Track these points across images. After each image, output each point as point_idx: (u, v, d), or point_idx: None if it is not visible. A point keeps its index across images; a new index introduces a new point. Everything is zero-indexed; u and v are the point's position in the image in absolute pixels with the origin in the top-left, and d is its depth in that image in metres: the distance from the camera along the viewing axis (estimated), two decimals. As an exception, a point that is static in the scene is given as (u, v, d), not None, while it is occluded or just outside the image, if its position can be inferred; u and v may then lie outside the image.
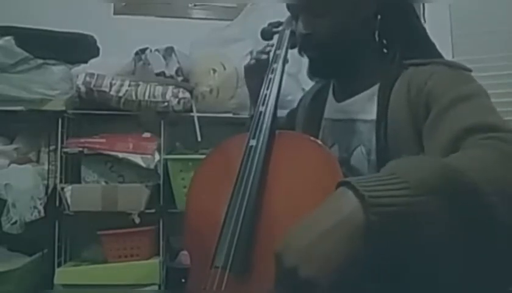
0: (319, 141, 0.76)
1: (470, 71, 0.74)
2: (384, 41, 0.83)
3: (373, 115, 0.76)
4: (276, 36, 0.95)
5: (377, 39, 0.83)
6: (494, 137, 0.56)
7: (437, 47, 0.82)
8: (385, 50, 0.82)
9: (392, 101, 0.74)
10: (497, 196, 0.46)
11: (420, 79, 0.72)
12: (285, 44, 0.88)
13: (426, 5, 1.75)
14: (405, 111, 0.72)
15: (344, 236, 0.45)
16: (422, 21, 0.83)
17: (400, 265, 0.46)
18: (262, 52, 0.98)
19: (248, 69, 1.01)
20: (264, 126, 0.77)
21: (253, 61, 0.99)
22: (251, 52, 1.71)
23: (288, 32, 0.88)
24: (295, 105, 1.08)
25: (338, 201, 0.48)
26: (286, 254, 0.46)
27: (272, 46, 0.93)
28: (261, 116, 0.79)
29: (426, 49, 0.80)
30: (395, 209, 0.45)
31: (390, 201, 0.45)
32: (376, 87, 0.78)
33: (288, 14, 0.90)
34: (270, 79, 0.84)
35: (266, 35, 0.97)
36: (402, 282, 0.48)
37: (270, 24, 0.97)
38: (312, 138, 0.75)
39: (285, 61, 0.87)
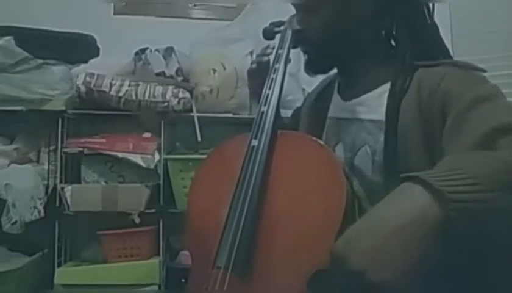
0: (321, 142, 0.75)
1: (484, 71, 0.73)
2: (393, 42, 0.83)
3: (380, 115, 0.75)
4: (278, 36, 0.95)
5: (385, 39, 0.83)
6: None
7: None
8: (394, 51, 0.81)
9: (402, 101, 0.73)
10: None
11: (432, 80, 0.70)
12: (287, 44, 0.88)
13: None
14: (414, 112, 0.71)
15: (418, 235, 0.42)
16: (431, 20, 0.81)
17: (472, 262, 0.45)
18: (263, 54, 0.98)
19: (251, 73, 1.01)
20: (266, 126, 0.77)
21: (254, 65, 0.99)
22: (251, 52, 1.71)
23: (290, 32, 0.88)
24: (295, 105, 1.08)
25: (407, 197, 0.45)
26: (351, 257, 0.43)
27: (273, 47, 0.93)
28: (263, 116, 0.79)
29: (436, 50, 0.79)
30: (470, 205, 0.43)
31: (466, 196, 0.43)
32: (384, 87, 0.77)
33: (290, 13, 0.91)
34: (273, 79, 0.84)
35: (268, 34, 0.97)
36: (472, 279, 0.46)
37: (272, 24, 0.97)
38: (314, 138, 0.75)
39: (287, 61, 0.87)
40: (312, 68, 0.87)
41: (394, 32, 0.82)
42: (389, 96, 0.75)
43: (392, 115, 0.73)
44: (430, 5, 0.80)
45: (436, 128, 0.68)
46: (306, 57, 0.85)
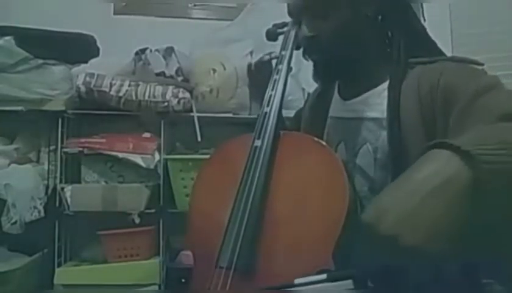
0: (323, 142, 0.76)
1: (482, 64, 0.74)
2: (387, 40, 0.83)
3: (381, 113, 0.76)
4: (281, 37, 0.95)
5: (382, 39, 0.83)
6: None
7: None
8: (388, 50, 0.82)
9: (402, 99, 0.74)
10: None
11: (431, 77, 0.71)
12: (290, 45, 0.88)
13: (426, 5, 1.75)
14: (415, 109, 0.71)
15: (449, 197, 0.42)
16: (422, 20, 0.84)
17: (506, 223, 0.44)
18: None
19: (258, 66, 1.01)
20: (269, 126, 0.77)
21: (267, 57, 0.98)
22: (251, 52, 1.72)
23: (293, 33, 0.88)
24: (295, 105, 1.08)
25: (437, 162, 0.45)
26: (384, 222, 0.43)
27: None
28: (266, 117, 0.79)
29: (428, 47, 0.80)
30: (500, 166, 0.43)
31: (495, 158, 0.43)
32: (383, 86, 0.78)
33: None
34: (275, 79, 0.84)
35: (271, 36, 0.97)
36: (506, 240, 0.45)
37: (275, 25, 0.97)
38: (316, 139, 0.75)
39: (290, 62, 0.87)
40: (324, 76, 0.85)
41: (388, 31, 0.83)
42: (389, 93, 0.76)
43: (393, 112, 0.73)
44: (419, 5, 0.81)
45: (438, 123, 0.69)
46: (315, 65, 0.84)
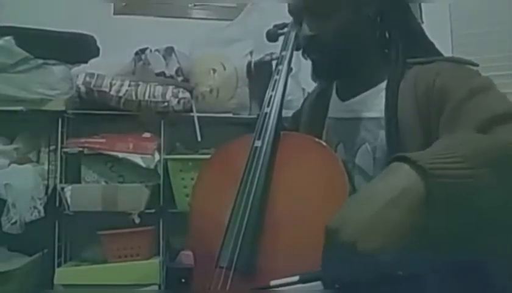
0: (324, 143, 0.76)
1: (476, 65, 0.75)
2: (385, 41, 0.84)
3: (379, 113, 0.77)
4: (281, 38, 0.95)
5: (380, 39, 0.83)
6: None
7: (437, 46, 0.82)
8: (387, 49, 0.82)
9: (399, 99, 0.74)
10: None
11: (428, 77, 0.72)
12: (290, 45, 0.88)
13: (426, 5, 1.75)
14: (412, 109, 0.72)
15: (404, 208, 0.45)
16: (420, 20, 0.84)
17: (457, 236, 0.46)
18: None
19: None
20: (269, 127, 0.78)
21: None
22: (251, 52, 1.72)
23: (293, 34, 0.88)
24: (295, 105, 1.07)
25: (396, 175, 0.48)
26: (343, 229, 0.46)
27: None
28: (267, 117, 0.79)
29: (426, 48, 0.81)
30: (454, 180, 0.45)
31: (449, 173, 0.45)
32: (381, 86, 0.79)
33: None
34: (276, 80, 0.85)
35: (271, 36, 0.97)
36: (458, 252, 0.47)
37: (275, 26, 0.97)
38: (317, 139, 0.76)
39: (290, 62, 0.87)
40: (323, 75, 0.86)
41: (387, 32, 0.83)
42: (386, 93, 0.76)
43: (390, 111, 0.74)
44: (417, 5, 0.81)
45: (433, 123, 0.70)
46: (314, 64, 0.84)
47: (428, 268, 0.47)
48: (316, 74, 0.85)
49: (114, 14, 2.03)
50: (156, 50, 1.66)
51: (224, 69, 1.70)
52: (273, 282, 0.53)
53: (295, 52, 0.90)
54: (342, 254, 0.46)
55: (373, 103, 0.79)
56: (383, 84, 0.78)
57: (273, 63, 0.98)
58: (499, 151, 0.48)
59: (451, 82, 0.69)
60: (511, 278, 0.50)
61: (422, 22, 0.84)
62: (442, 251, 0.46)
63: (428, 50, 0.80)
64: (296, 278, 0.51)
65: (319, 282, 0.49)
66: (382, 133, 0.76)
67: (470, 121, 0.62)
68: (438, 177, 0.45)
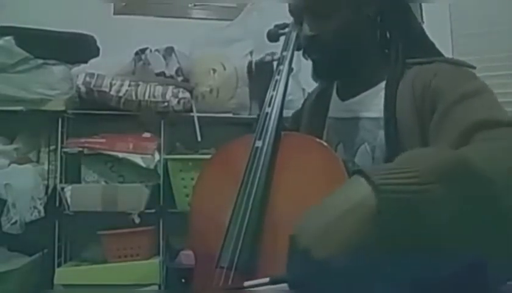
0: (325, 143, 0.76)
1: (474, 67, 0.75)
2: (385, 41, 0.84)
3: (378, 113, 0.77)
4: (282, 38, 0.95)
5: (379, 38, 0.84)
6: (501, 133, 0.58)
7: (437, 46, 0.82)
8: (387, 49, 0.82)
9: (398, 99, 0.74)
10: (502, 187, 0.47)
11: (425, 78, 0.72)
12: (291, 46, 0.88)
13: (426, 5, 1.75)
14: (410, 109, 0.72)
15: (356, 221, 0.47)
16: (420, 21, 0.84)
17: (407, 251, 0.47)
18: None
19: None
20: (270, 127, 0.78)
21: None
22: (251, 52, 1.72)
23: (294, 34, 0.88)
24: (295, 105, 1.07)
25: (351, 188, 0.50)
26: (300, 237, 0.49)
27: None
28: (267, 118, 0.79)
29: (426, 48, 0.81)
30: (404, 195, 0.46)
31: (399, 188, 0.46)
32: (380, 85, 0.79)
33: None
34: (277, 80, 0.85)
35: (272, 36, 0.97)
36: (409, 267, 0.48)
37: (276, 26, 0.97)
38: (317, 139, 0.76)
39: (291, 63, 0.87)
40: (324, 75, 0.86)
41: (387, 32, 0.83)
42: (385, 93, 0.76)
43: (389, 111, 0.74)
44: (417, 5, 0.81)
45: (428, 124, 0.70)
46: (315, 64, 0.84)
47: (380, 277, 0.48)
48: (316, 74, 0.85)
49: (114, 14, 2.03)
50: (156, 50, 1.67)
51: (224, 69, 1.70)
52: (246, 283, 0.57)
53: (296, 52, 0.89)
54: (300, 260, 0.48)
55: (373, 103, 0.80)
56: (383, 84, 0.78)
57: (274, 63, 0.98)
58: (453, 167, 0.49)
59: (446, 84, 0.70)
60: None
61: (423, 22, 0.84)
62: (393, 261, 0.48)
63: (428, 50, 0.80)
64: (267, 280, 0.54)
65: (285, 284, 0.52)
66: (381, 133, 0.76)
67: (455, 125, 0.63)
68: (388, 192, 0.46)
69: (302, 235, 0.49)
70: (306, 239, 0.48)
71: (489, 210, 0.47)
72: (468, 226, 0.47)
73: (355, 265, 0.47)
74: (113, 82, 1.61)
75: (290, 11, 0.87)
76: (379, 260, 0.48)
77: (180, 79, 1.66)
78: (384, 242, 0.47)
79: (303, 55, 0.85)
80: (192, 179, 1.56)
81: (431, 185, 0.46)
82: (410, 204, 0.46)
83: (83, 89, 1.59)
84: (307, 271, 0.48)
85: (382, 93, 0.77)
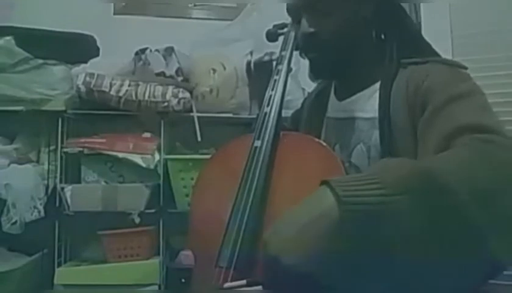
0: (323, 143, 0.76)
1: (466, 68, 0.75)
2: (380, 41, 0.84)
3: (373, 113, 0.77)
4: (281, 38, 0.95)
5: (376, 39, 0.84)
6: (479, 138, 0.58)
7: (436, 47, 0.82)
8: (382, 50, 0.82)
9: (392, 99, 0.75)
10: (468, 196, 0.48)
11: (418, 78, 0.73)
12: (290, 45, 0.88)
13: (426, 5, 1.76)
14: (404, 109, 0.73)
15: (321, 230, 0.49)
16: (416, 21, 0.85)
17: (371, 262, 0.48)
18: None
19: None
20: (269, 127, 0.78)
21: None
22: (251, 52, 1.72)
23: (293, 34, 0.88)
24: (294, 105, 1.08)
25: (318, 198, 0.52)
26: (270, 243, 0.51)
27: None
28: (266, 117, 0.79)
29: (421, 48, 0.81)
30: (367, 207, 0.47)
31: (363, 200, 0.48)
32: (375, 85, 0.79)
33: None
34: (275, 80, 0.85)
35: (271, 36, 0.97)
36: (374, 277, 0.50)
37: (275, 26, 0.97)
38: (316, 139, 0.76)
39: (290, 62, 0.87)
40: (321, 74, 0.86)
41: (382, 32, 0.83)
42: (380, 93, 0.77)
43: (383, 111, 0.75)
44: (412, 5, 0.82)
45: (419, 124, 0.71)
46: (312, 62, 0.84)
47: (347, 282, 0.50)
48: (313, 73, 0.85)
49: (114, 14, 2.03)
50: (156, 50, 1.66)
51: (224, 69, 1.70)
52: (226, 285, 0.61)
53: (295, 52, 0.90)
54: (271, 264, 0.50)
55: (368, 103, 0.80)
56: (378, 84, 0.79)
57: (273, 62, 0.98)
58: (416, 179, 0.49)
59: (437, 85, 0.70)
60: None
61: (419, 22, 0.84)
62: (357, 270, 0.49)
63: (424, 50, 0.81)
64: (244, 282, 0.58)
65: (260, 287, 0.57)
66: (376, 133, 0.76)
67: (440, 128, 0.64)
68: (350, 204, 0.48)
69: (272, 241, 0.51)
70: (276, 245, 0.51)
71: (451, 221, 0.48)
72: (431, 237, 0.47)
73: (321, 271, 0.49)
74: (113, 82, 1.61)
75: (288, 10, 0.87)
76: (343, 267, 0.49)
77: (180, 79, 1.66)
78: (347, 251, 0.48)
79: (300, 54, 0.86)
80: (192, 179, 1.56)
81: (394, 197, 0.47)
82: (372, 215, 0.47)
83: (83, 89, 1.59)
84: (278, 275, 0.50)
85: (377, 94, 0.78)
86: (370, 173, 0.52)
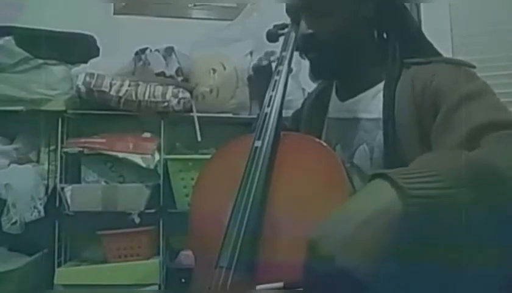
0: (324, 143, 0.76)
1: (474, 67, 0.75)
2: (383, 41, 0.84)
3: (377, 114, 0.77)
4: (281, 39, 0.95)
5: (378, 39, 0.84)
6: (508, 134, 0.58)
7: (437, 47, 0.82)
8: (385, 49, 0.82)
9: (396, 99, 0.74)
10: None
11: (425, 78, 0.72)
12: (291, 46, 0.88)
13: (426, 5, 1.75)
14: (409, 110, 0.72)
15: (382, 227, 0.46)
16: (417, 20, 0.84)
17: (433, 254, 0.47)
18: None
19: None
20: (270, 127, 0.78)
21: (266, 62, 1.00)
22: (251, 52, 1.72)
23: (293, 34, 0.88)
24: (295, 105, 1.08)
25: (375, 192, 0.49)
26: (323, 243, 0.47)
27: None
28: (267, 118, 0.79)
29: (423, 48, 0.81)
30: (431, 200, 0.46)
31: (427, 193, 0.46)
32: (379, 86, 0.79)
33: None
34: (276, 80, 0.85)
35: (272, 37, 0.97)
36: (433, 271, 0.49)
37: (275, 26, 0.97)
38: (317, 139, 0.76)
39: (291, 63, 0.87)
40: (321, 74, 0.86)
41: (384, 32, 0.83)
42: (384, 93, 0.76)
43: (387, 112, 0.74)
44: (414, 5, 0.81)
45: (429, 125, 0.70)
46: (313, 63, 0.84)
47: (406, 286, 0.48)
48: (313, 73, 0.85)
49: (114, 14, 2.03)
50: (156, 50, 1.66)
51: (224, 69, 1.70)
52: (258, 287, 0.55)
53: (295, 53, 0.89)
54: (321, 267, 0.47)
55: (371, 103, 0.80)
56: (381, 85, 0.78)
57: (272, 66, 0.98)
58: (477, 170, 0.48)
59: (446, 85, 0.70)
60: None
61: (420, 23, 0.84)
62: (419, 269, 0.48)
63: (426, 50, 0.81)
64: (281, 284, 0.53)
65: (300, 290, 0.52)
66: (380, 134, 0.76)
67: (459, 129, 0.63)
68: (415, 197, 0.46)
69: (324, 241, 0.47)
70: (329, 246, 0.47)
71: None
72: (491, 230, 0.47)
73: (380, 273, 0.46)
74: (113, 82, 1.61)
75: (287, 10, 0.87)
76: (404, 267, 0.47)
77: (180, 79, 1.66)
78: (410, 248, 0.46)
79: (300, 54, 0.85)
80: (192, 179, 1.56)
81: (457, 189, 0.46)
82: (435, 208, 0.45)
83: (83, 89, 1.59)
84: (332, 281, 0.46)
85: (380, 94, 0.77)
86: (422, 165, 0.50)
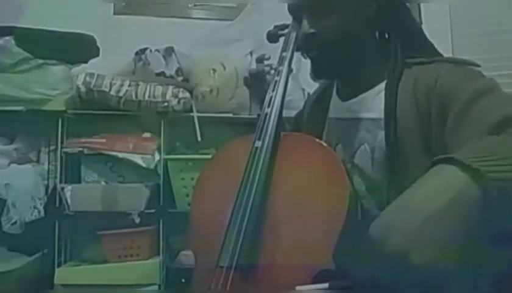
0: (324, 143, 0.76)
1: (478, 66, 0.74)
2: (384, 41, 0.84)
3: (378, 113, 0.77)
4: (281, 39, 0.95)
5: (379, 39, 0.84)
6: None
7: (437, 47, 0.82)
8: (386, 49, 0.82)
9: (399, 99, 0.74)
10: None
11: (428, 78, 0.72)
12: (291, 46, 0.88)
13: (426, 5, 1.76)
14: (411, 110, 0.72)
15: (458, 215, 0.42)
16: (419, 21, 0.84)
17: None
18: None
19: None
20: (270, 127, 0.77)
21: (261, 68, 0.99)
22: (251, 52, 1.72)
23: (294, 34, 0.88)
24: (295, 105, 1.08)
25: (444, 178, 0.45)
26: (392, 240, 0.43)
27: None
28: (267, 118, 0.79)
29: (425, 48, 0.81)
30: (509, 184, 0.42)
31: (505, 176, 0.43)
32: (380, 86, 0.79)
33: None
34: (276, 81, 0.85)
35: (272, 37, 0.97)
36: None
37: (276, 27, 0.97)
38: (317, 140, 0.76)
39: (291, 63, 0.87)
40: (322, 73, 0.86)
41: (386, 32, 0.83)
42: (385, 93, 0.76)
43: (389, 112, 0.74)
44: (416, 6, 0.81)
45: (434, 126, 0.69)
46: (314, 62, 0.84)
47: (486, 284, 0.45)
48: (314, 73, 0.85)
49: (114, 14, 2.03)
50: (156, 50, 1.67)
51: (224, 69, 1.70)
52: (298, 288, 0.52)
53: (295, 53, 0.89)
54: (391, 265, 0.43)
55: (373, 103, 0.79)
56: (383, 85, 0.78)
57: (271, 70, 0.98)
58: None
59: (454, 84, 0.69)
60: None
61: (421, 23, 0.84)
62: (498, 260, 0.44)
63: (427, 50, 0.80)
64: (326, 285, 0.50)
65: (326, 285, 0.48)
66: (381, 134, 0.76)
67: (480, 124, 0.61)
68: (494, 180, 0.42)
69: (394, 236, 0.43)
70: (400, 241, 0.42)
71: None
72: None
73: (461, 267, 0.42)
74: (113, 82, 1.61)
75: (289, 9, 0.87)
76: (482, 257, 0.43)
77: (180, 79, 1.66)
78: (489, 238, 0.42)
79: (302, 53, 0.85)
80: (192, 179, 1.56)
81: None
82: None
83: (83, 89, 1.59)
84: (403, 277, 0.42)
85: (382, 94, 0.77)
86: (486, 148, 0.47)
